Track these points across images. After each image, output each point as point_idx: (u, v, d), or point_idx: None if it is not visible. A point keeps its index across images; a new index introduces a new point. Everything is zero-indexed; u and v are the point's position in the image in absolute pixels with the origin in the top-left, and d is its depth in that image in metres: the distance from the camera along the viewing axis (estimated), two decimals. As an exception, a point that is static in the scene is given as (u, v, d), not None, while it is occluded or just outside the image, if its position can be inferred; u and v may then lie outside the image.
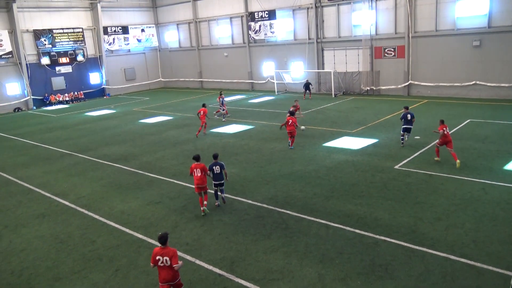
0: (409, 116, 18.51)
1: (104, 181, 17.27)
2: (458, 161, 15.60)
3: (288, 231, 11.61)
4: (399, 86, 33.14)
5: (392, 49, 33.02)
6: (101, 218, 13.52)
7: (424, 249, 10.14)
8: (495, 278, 8.82)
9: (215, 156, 13.49)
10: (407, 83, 32.65)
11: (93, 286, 9.71)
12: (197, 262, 10.36)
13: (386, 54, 33.46)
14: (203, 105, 24.26)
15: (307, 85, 35.01)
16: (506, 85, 28.16)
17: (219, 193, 13.65)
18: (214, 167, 13.14)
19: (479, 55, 28.98)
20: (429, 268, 9.34)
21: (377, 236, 10.89)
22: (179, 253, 10.78)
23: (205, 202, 13.09)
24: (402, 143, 18.85)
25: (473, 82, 29.50)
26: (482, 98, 29.07)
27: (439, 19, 30.30)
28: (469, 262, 9.44)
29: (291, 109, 21.54)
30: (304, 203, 13.38)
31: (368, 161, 17.20)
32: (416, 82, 32.30)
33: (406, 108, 19.17)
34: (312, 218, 12.23)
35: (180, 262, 8.08)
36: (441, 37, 30.42)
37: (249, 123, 26.42)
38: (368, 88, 34.72)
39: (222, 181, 13.32)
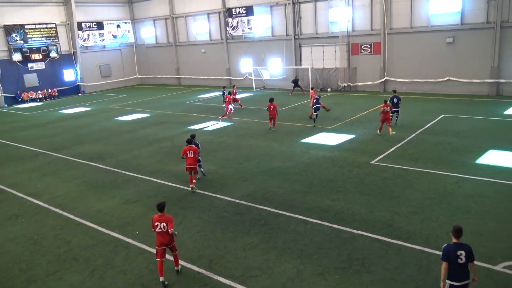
0: (395, 100, 21.46)
1: (79, 180, 16.92)
2: (391, 131, 19.68)
3: (266, 227, 11.64)
4: (375, 82, 33.60)
5: (368, 46, 33.43)
6: (76, 218, 13.25)
7: (400, 242, 10.33)
8: (468, 269, 9.05)
9: (193, 136, 15.53)
10: (383, 79, 33.12)
11: (68, 287, 9.51)
12: (175, 260, 10.27)
13: (362, 51, 33.85)
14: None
15: (295, 82, 35.18)
16: (478, 81, 28.91)
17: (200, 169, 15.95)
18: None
19: (452, 51, 29.63)
20: (405, 261, 9.52)
21: (354, 231, 11.03)
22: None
23: (194, 181, 14.74)
24: (395, 122, 21.81)
25: (447, 78, 30.16)
26: (455, 93, 29.77)
27: (414, 16, 30.82)
28: (443, 254, 9.66)
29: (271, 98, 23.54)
30: (283, 199, 13.44)
31: (345, 156, 17.39)
32: (392, 78, 32.80)
33: (394, 91, 22.22)
34: (291, 214, 12.29)
35: (176, 232, 9.37)
36: (416, 34, 30.97)
37: (227, 120, 26.33)
38: (345, 84, 35.06)
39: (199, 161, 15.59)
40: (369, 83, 33.93)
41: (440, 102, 27.37)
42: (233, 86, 33.16)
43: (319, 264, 9.68)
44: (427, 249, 9.91)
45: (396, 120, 21.83)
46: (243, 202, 13.51)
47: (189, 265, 10.01)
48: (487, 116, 22.51)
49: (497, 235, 10.38)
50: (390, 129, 19.98)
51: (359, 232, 10.98)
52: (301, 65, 37.54)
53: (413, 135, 19.81)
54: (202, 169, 16.16)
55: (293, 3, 36.43)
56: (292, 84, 35.39)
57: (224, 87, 31.90)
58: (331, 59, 35.73)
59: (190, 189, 14.70)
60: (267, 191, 14.22)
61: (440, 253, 9.23)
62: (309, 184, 14.61)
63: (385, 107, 19.85)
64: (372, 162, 16.44)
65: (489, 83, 28.57)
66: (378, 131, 20.34)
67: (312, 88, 27.19)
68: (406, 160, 16.38)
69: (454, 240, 7.25)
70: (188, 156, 14.60)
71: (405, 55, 31.80)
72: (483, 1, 27.70)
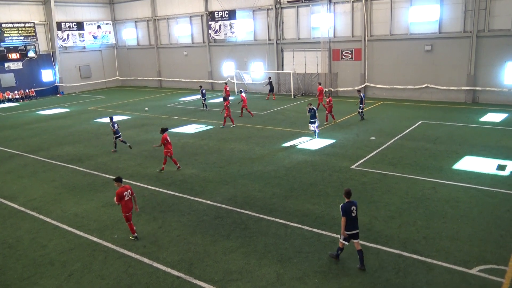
0: (362, 97, 24.85)
1: (57, 183, 16.59)
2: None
3: (247, 231, 11.63)
4: (356, 88, 34.02)
5: (349, 52, 33.87)
6: (53, 221, 12.98)
7: (379, 246, 10.46)
8: (444, 273, 9.23)
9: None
10: (363, 85, 33.58)
11: (44, 292, 9.31)
12: (155, 264, 10.17)
13: (343, 57, 34.28)
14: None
15: (270, 84, 35.52)
16: (455, 88, 29.60)
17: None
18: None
19: (430, 59, 30.28)
20: (383, 265, 9.65)
21: (334, 235, 11.12)
22: (136, 256, 10.60)
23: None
24: (361, 116, 24.75)
25: (425, 85, 30.80)
26: (433, 100, 30.41)
27: (394, 24, 31.41)
28: (420, 258, 9.84)
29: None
30: (263, 203, 13.46)
31: (326, 161, 17.55)
32: (372, 84, 33.30)
33: (359, 91, 25.81)
34: (271, 218, 12.32)
35: None
36: (396, 41, 31.55)
37: (208, 123, 26.25)
38: (326, 90, 35.38)
39: None
40: (350, 88, 34.35)
41: (418, 109, 27.90)
42: (226, 84, 34.87)
43: (299, 268, 9.72)
44: (404, 253, 10.07)
45: (361, 111, 24.77)
46: (223, 206, 13.48)
47: (168, 269, 9.91)
48: (463, 123, 23.06)
49: (472, 239, 10.62)
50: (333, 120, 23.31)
51: (339, 236, 11.05)
52: (283, 70, 37.75)
53: (392, 140, 20.13)
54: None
55: (276, 8, 36.67)
56: (268, 87, 35.81)
57: (201, 86, 32.62)
58: (313, 64, 36.06)
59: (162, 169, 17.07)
60: (248, 195, 14.22)
61: (418, 256, 9.51)
62: (290, 188, 14.67)
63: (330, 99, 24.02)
64: (352, 166, 16.63)
65: (466, 90, 29.30)
66: (326, 122, 23.87)
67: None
68: (385, 165, 16.63)
69: (346, 200, 9.54)
70: (169, 141, 16.95)
71: (385, 61, 32.34)
72: (460, 11, 28.45)
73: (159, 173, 17.04)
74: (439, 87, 30.26)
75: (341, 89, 34.93)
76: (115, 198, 11.22)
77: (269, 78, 36.52)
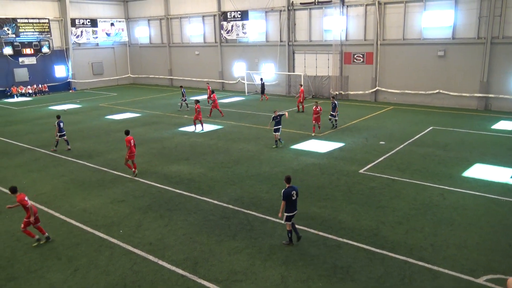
0: (335, 104, 23.81)
1: (66, 178, 16.76)
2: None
3: (253, 232, 11.64)
4: (367, 92, 33.88)
5: (361, 55, 33.72)
6: (61, 216, 13.11)
7: (385, 252, 10.40)
8: (450, 281, 9.15)
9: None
10: (374, 89, 33.41)
11: (50, 286, 9.40)
12: (160, 262, 10.22)
13: (355, 60, 34.14)
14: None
15: (263, 85, 35.75)
16: (467, 94, 29.30)
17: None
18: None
19: (443, 65, 30.02)
20: (389, 271, 9.59)
21: (340, 239, 11.08)
22: (141, 253, 10.66)
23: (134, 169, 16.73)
24: (332, 124, 24.22)
25: (437, 90, 30.53)
26: (444, 106, 30.13)
27: (407, 28, 31.20)
28: (426, 265, 9.75)
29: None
30: (270, 205, 13.45)
31: (334, 164, 17.48)
32: (383, 89, 33.10)
33: (333, 97, 25.18)
34: (277, 220, 12.28)
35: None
36: (408, 45, 31.33)
37: (218, 123, 26.32)
38: (337, 93, 35.29)
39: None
40: (361, 92, 34.20)
41: (429, 114, 27.68)
42: (207, 83, 35.50)
43: (303, 271, 9.70)
44: (410, 260, 9.99)
45: (334, 121, 24.00)
46: (230, 206, 13.50)
47: (173, 268, 9.96)
48: (475, 130, 22.82)
49: (480, 248, 10.50)
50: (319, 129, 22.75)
51: (345, 240, 11.03)
52: (293, 72, 37.71)
53: (402, 146, 19.99)
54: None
55: (288, 9, 36.64)
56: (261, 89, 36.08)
57: (181, 86, 33.64)
58: (324, 67, 35.96)
59: (135, 175, 16.62)
60: (255, 196, 14.22)
61: (424, 263, 9.45)
62: (297, 191, 14.63)
63: (319, 108, 22.37)
64: (361, 171, 16.55)
65: (478, 97, 28.99)
66: (313, 133, 22.55)
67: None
68: (394, 170, 16.52)
69: (287, 185, 10.61)
70: (132, 145, 16.31)
71: (396, 66, 32.14)
72: (475, 16, 28.15)
73: (134, 177, 16.54)
74: (451, 93, 29.98)
75: (351, 92, 34.78)
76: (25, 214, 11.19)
77: (261, 79, 36.72)
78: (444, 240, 10.92)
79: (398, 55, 31.93)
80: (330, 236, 11.30)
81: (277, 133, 20.15)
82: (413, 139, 21.24)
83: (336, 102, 23.94)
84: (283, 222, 10.79)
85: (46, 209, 13.70)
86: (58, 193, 15.14)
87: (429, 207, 12.97)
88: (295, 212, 10.70)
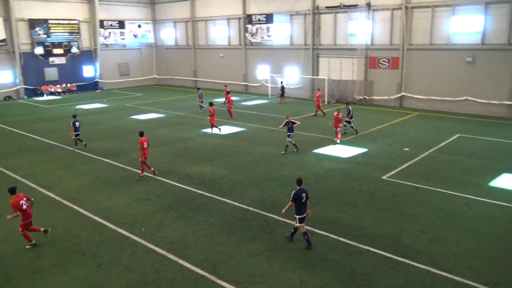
0: (347, 111, 23.31)
1: (92, 176, 17.15)
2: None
3: (273, 235, 11.65)
4: (392, 97, 33.42)
5: (387, 60, 33.31)
6: (86, 213, 13.42)
7: (407, 260, 10.23)
8: (474, 293, 8.93)
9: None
10: (399, 95, 32.93)
11: (73, 280, 9.64)
12: (180, 261, 10.34)
13: (380, 65, 33.74)
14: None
15: (282, 88, 35.73)
16: (496, 102, 28.54)
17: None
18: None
19: (471, 71, 29.34)
20: (410, 280, 9.43)
21: (361, 245, 10.97)
22: (162, 252, 10.81)
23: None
24: (345, 132, 23.54)
25: (464, 97, 29.86)
26: (472, 113, 29.42)
27: (434, 33, 30.65)
28: (449, 275, 9.55)
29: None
30: (291, 208, 13.36)
31: (356, 170, 17.32)
32: (408, 94, 32.60)
33: (348, 103, 24.33)
34: (298, 225, 12.24)
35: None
36: (435, 51, 30.77)
37: (241, 125, 26.44)
38: (361, 97, 34.95)
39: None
40: (385, 97, 33.77)
41: (456, 121, 27.09)
42: (225, 86, 35.57)
43: (323, 276, 9.64)
44: (433, 270, 9.80)
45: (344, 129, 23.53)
46: (251, 208, 13.54)
47: (193, 268, 10.06)
48: (503, 139, 22.20)
49: (506, 260, 10.22)
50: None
51: (366, 247, 10.91)
52: (317, 75, 37.54)
53: (427, 153, 19.64)
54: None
55: (313, 13, 36.54)
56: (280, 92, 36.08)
57: (198, 88, 34.34)
58: (348, 71, 35.67)
59: (153, 172, 16.97)
60: (276, 199, 14.22)
61: (446, 274, 9.26)
62: (318, 195, 14.57)
63: (337, 113, 21.79)
64: (384, 177, 16.34)
65: (507, 105, 28.19)
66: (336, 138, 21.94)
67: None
68: (418, 177, 16.24)
69: (298, 187, 10.83)
70: (146, 146, 16.35)
71: (423, 71, 31.60)
72: (506, 22, 27.41)
73: (138, 180, 16.57)
74: (479, 100, 29.25)
75: (376, 97, 34.38)
76: (13, 214, 10.87)
77: (281, 82, 36.75)
78: (469, 250, 10.67)
79: (424, 60, 31.39)
80: (350, 242, 11.20)
81: (289, 139, 19.85)
82: (438, 146, 20.83)
83: (350, 108, 23.55)
84: (296, 225, 10.92)
85: (71, 205, 14.05)
86: (84, 190, 15.51)
87: (454, 217, 12.70)
88: (304, 215, 10.90)
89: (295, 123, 19.82)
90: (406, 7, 31.32)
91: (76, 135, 21.10)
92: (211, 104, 24.60)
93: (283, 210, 11.07)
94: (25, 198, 11.08)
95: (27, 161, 19.29)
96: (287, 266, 10.06)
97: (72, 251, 10.97)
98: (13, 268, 10.19)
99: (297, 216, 10.79)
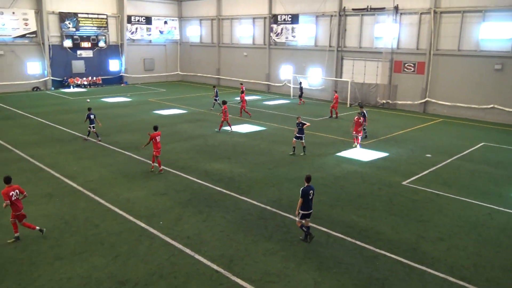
0: (362, 115, 21.84)
1: (113, 168, 17.48)
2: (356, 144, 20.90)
3: (289, 235, 11.65)
4: (416, 102, 32.92)
5: (412, 65, 32.82)
6: (106, 204, 13.70)
7: (424, 267, 10.09)
8: (492, 304, 8.75)
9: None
10: (424, 100, 32.41)
11: (92, 268, 9.86)
12: (196, 256, 10.45)
13: (405, 69, 33.27)
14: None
15: (301, 89, 35.83)
16: (525, 111, 27.81)
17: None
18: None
19: (500, 78, 28.63)
20: (427, 287, 9.30)
21: (377, 250, 10.87)
22: (179, 246, 10.94)
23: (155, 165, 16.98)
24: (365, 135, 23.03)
25: (491, 105, 29.17)
26: (499, 122, 28.71)
27: (463, 39, 30.03)
28: (467, 285, 9.38)
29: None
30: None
31: (376, 174, 17.15)
32: (433, 100, 32.04)
33: (361, 107, 23.79)
34: (314, 225, 12.24)
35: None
36: (463, 57, 30.14)
37: (261, 125, 26.48)
38: (384, 101, 34.54)
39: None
40: (409, 102, 33.28)
41: (481, 130, 26.50)
42: (241, 84, 35.53)
43: (338, 278, 9.60)
44: (450, 278, 9.64)
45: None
46: (268, 207, 13.57)
47: (209, 263, 10.15)
48: (530, 149, 21.61)
49: (528, 273, 9.97)
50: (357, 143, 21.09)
51: (382, 252, 10.81)
52: (341, 78, 37.27)
53: (449, 160, 19.28)
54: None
55: (340, 15, 36.29)
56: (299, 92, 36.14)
57: (214, 86, 34.46)
58: (372, 74, 35.30)
59: (156, 169, 16.94)
60: (293, 200, 14.19)
61: (465, 283, 9.12)
62: (336, 197, 14.51)
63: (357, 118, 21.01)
64: (404, 182, 16.13)
65: (536, 115, 27.43)
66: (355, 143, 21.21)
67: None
68: (439, 184, 15.97)
69: (306, 184, 11.07)
70: (157, 141, 16.58)
71: (449, 77, 31.00)
72: (539, 30, 26.69)
73: (158, 173, 16.84)
74: (506, 109, 28.53)
75: (399, 102, 33.91)
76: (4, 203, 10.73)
77: (300, 83, 36.71)
78: (489, 261, 10.45)
79: (451, 66, 30.79)
80: (367, 246, 11.11)
81: (296, 140, 19.59)
82: (462, 154, 20.42)
83: (365, 111, 22.93)
84: (297, 219, 11.23)
85: (93, 195, 14.36)
86: (105, 181, 15.83)
87: (475, 226, 12.45)
88: (310, 212, 11.13)
89: (305, 124, 19.67)
90: (435, 12, 30.80)
91: (92, 127, 21.60)
92: (224, 102, 24.71)
93: (297, 212, 11.11)
94: (17, 191, 10.93)
95: (52, 151, 19.80)
96: (302, 267, 10.06)
97: (92, 241, 11.22)
98: (36, 254, 10.50)
99: (302, 212, 11.03)
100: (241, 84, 35.77)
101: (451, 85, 30.99)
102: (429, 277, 9.71)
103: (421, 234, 11.86)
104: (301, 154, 19.61)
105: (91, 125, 21.57)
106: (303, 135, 19.60)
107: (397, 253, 10.71)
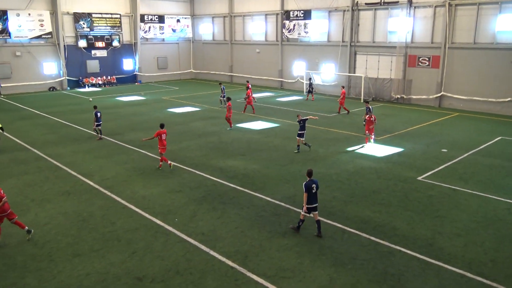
0: (370, 109, 21.81)
1: (129, 165, 17.69)
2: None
3: (303, 231, 11.65)
4: (431, 97, 32.51)
5: (427, 59, 32.40)
6: (122, 201, 13.88)
7: (440, 263, 10.00)
8: (511, 300, 8.64)
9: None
10: (439, 94, 31.99)
11: (110, 265, 10.02)
12: (211, 253, 10.54)
13: (420, 63, 32.86)
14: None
15: (311, 85, 35.77)
16: (543, 104, 27.25)
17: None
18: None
19: (517, 71, 28.11)
20: (443, 283, 9.22)
21: (393, 246, 10.81)
22: (194, 243, 11.04)
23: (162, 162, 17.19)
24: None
25: (509, 98, 28.64)
26: (516, 116, 28.22)
27: (479, 32, 29.52)
28: (485, 281, 9.27)
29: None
30: (322, 206, 13.36)
31: (391, 169, 17.02)
32: (448, 94, 31.60)
33: (367, 102, 23.37)
34: (329, 221, 12.23)
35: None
36: (479, 50, 29.64)
37: (274, 121, 26.48)
38: (399, 96, 34.19)
39: None
40: (424, 97, 32.88)
41: (499, 124, 26.05)
42: (247, 81, 35.45)
43: (352, 274, 9.58)
44: (468, 274, 9.54)
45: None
46: (282, 203, 13.59)
47: (224, 259, 10.23)
48: (549, 143, 21.19)
49: (547, 268, 9.80)
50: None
51: (398, 247, 10.74)
52: (354, 73, 37.01)
53: (466, 155, 19.02)
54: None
55: (353, 9, 35.99)
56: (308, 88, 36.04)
57: (220, 83, 34.36)
58: (386, 69, 34.96)
59: (166, 167, 17.15)
60: (308, 196, 14.18)
61: (483, 279, 9.02)
62: (351, 193, 14.45)
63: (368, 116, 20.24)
64: (419, 178, 15.98)
65: (556, 108, 26.85)
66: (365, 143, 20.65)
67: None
68: (455, 179, 15.77)
69: (308, 178, 11.18)
70: (163, 138, 16.74)
71: (465, 71, 30.53)
72: (558, 20, 26.08)
73: (171, 169, 17.06)
74: (524, 102, 28.02)
75: (414, 96, 33.53)
76: None
77: (310, 78, 36.68)
78: (508, 257, 10.30)
79: (467, 59, 30.31)
80: (382, 241, 11.05)
81: (300, 138, 19.34)
82: (478, 148, 20.13)
83: (370, 107, 22.57)
84: (302, 212, 11.38)
85: (109, 193, 14.56)
86: (121, 179, 16.03)
87: (493, 221, 12.27)
88: (315, 205, 11.23)
89: (306, 119, 19.49)
90: (450, 4, 30.34)
91: (98, 125, 21.95)
92: (228, 99, 24.73)
93: (304, 207, 11.23)
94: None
95: (69, 150, 20.12)
96: (316, 263, 10.06)
97: (109, 237, 11.40)
98: (54, 251, 10.71)
99: (307, 206, 11.15)
100: (247, 81, 35.94)
101: (467, 79, 30.51)
102: (446, 273, 9.62)
103: (438, 229, 11.75)
104: (295, 151, 19.40)
105: (97, 123, 21.96)
106: (304, 132, 19.37)
107: (412, 249, 10.64)
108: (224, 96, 31.71)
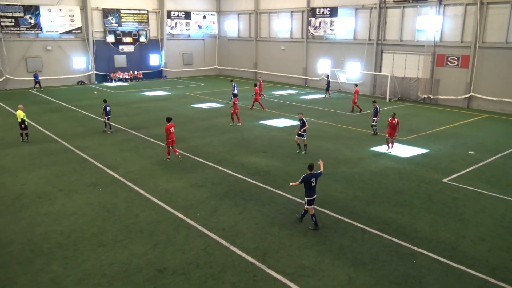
0: (377, 109, 22.25)
1: (153, 159, 18.00)
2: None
3: (324, 230, 11.64)
4: (459, 97, 31.75)
5: (456, 58, 31.63)
6: (146, 194, 14.16)
7: (463, 267, 9.83)
8: (536, 308, 8.42)
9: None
10: (467, 95, 31.21)
11: (132, 256, 10.26)
12: (231, 248, 10.64)
13: (448, 63, 32.12)
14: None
15: (328, 83, 35.70)
16: None
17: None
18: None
19: (551, 73, 27.14)
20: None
21: (415, 248, 10.67)
22: (215, 237, 11.17)
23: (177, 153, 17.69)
24: (374, 130, 22.40)
25: (541, 101, 27.73)
26: (549, 119, 27.28)
27: (511, 31, 28.61)
28: None
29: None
30: (344, 205, 13.31)
31: (415, 170, 16.75)
32: (478, 95, 30.79)
33: (374, 102, 22.95)
34: (350, 221, 12.17)
35: None
36: (511, 50, 28.74)
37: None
38: (425, 96, 33.52)
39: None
40: (452, 97, 32.14)
41: (529, 126, 25.25)
42: (259, 78, 35.57)
43: (372, 275, 9.52)
44: (492, 280, 9.34)
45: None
46: (303, 201, 13.55)
47: (243, 255, 10.32)
48: None
49: None
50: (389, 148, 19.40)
51: (420, 250, 10.60)
52: (380, 72, 36.48)
53: (494, 157, 18.54)
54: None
55: (380, 7, 35.45)
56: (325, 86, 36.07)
57: (232, 80, 34.02)
58: (413, 68, 34.31)
59: (178, 156, 17.66)
60: (329, 195, 14.15)
61: (508, 286, 8.83)
62: (373, 193, 14.31)
63: (391, 120, 19.02)
64: (444, 180, 15.68)
65: None
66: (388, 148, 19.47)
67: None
68: (481, 183, 15.41)
69: (309, 172, 11.44)
70: (172, 131, 17.26)
71: (496, 71, 29.66)
72: None
73: (177, 160, 17.62)
74: (558, 105, 27.05)
75: (441, 97, 32.81)
76: None
77: (327, 76, 36.53)
78: (534, 263, 10.03)
79: (498, 59, 29.44)
80: (404, 243, 10.92)
81: (299, 137, 18.77)
82: (507, 151, 19.58)
83: (378, 106, 22.28)
84: (305, 207, 11.67)
85: (133, 186, 14.87)
86: (145, 172, 16.34)
87: (519, 227, 11.95)
88: (314, 197, 11.57)
89: (305, 125, 18.54)
90: (482, 3, 29.50)
91: (108, 118, 22.40)
92: (234, 95, 24.81)
93: (290, 184, 12.23)
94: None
95: (96, 143, 20.61)
96: (336, 262, 10.04)
97: (132, 229, 11.66)
98: (80, 240, 11.04)
99: (307, 198, 11.51)
100: (260, 78, 36.00)
101: (497, 79, 29.65)
102: (468, 277, 9.45)
103: (461, 233, 11.53)
104: (302, 152, 18.86)
105: (107, 117, 22.42)
106: (305, 133, 18.74)
107: (435, 252, 10.48)
108: (235, 92, 31.74)
